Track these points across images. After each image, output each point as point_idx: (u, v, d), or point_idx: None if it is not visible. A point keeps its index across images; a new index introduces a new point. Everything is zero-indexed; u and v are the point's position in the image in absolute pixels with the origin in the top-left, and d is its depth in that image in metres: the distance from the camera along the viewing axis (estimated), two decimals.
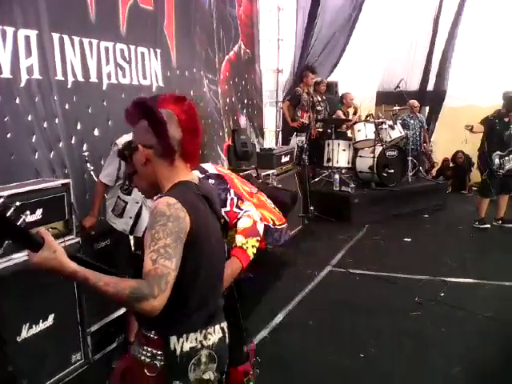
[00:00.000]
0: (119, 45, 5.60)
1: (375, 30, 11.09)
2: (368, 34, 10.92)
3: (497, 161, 7.31)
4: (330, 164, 8.39)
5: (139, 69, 5.96)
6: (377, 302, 4.87)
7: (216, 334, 1.87)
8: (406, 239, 6.99)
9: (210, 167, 2.81)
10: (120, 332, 3.95)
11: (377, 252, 6.53)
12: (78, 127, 4.88)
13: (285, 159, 7.04)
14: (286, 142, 9.29)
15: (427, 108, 11.11)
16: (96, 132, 5.04)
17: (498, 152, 7.31)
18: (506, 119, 7.38)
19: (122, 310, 3.79)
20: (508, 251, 6.47)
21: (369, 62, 11.32)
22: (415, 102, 9.60)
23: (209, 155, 7.52)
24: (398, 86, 9.64)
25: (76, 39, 4.98)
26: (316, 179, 8.55)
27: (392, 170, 8.35)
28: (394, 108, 9.23)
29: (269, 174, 6.20)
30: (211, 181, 2.63)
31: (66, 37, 4.84)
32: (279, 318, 4.48)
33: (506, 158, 7.34)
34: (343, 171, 8.59)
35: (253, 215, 2.61)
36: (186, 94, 6.93)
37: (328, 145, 8.47)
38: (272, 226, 2.81)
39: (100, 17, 5.29)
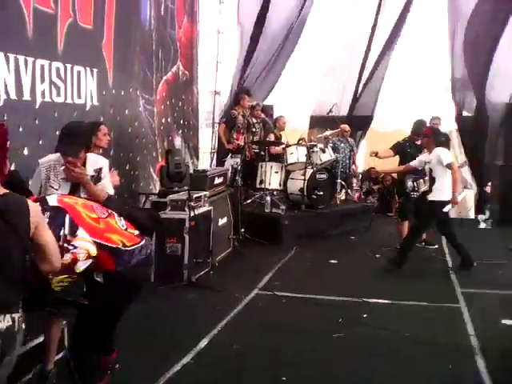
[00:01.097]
0: (55, 63, 5.62)
1: (310, 54, 11.46)
2: (303, 58, 11.27)
3: (410, 183, 7.51)
4: (263, 186, 8.55)
5: (74, 88, 5.98)
6: (302, 325, 4.96)
7: (5, 321, 2.29)
8: (331, 261, 7.17)
9: (51, 199, 2.94)
10: (37, 361, 3.71)
11: (304, 274, 6.66)
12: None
13: (218, 181, 7.09)
14: (221, 163, 9.40)
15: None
16: (25, 151, 5.00)
17: (412, 175, 7.52)
18: (418, 142, 7.67)
19: (40, 339, 3.68)
20: (427, 272, 6.80)
21: (303, 86, 11.68)
22: (346, 127, 9.93)
23: (141, 176, 7.53)
24: (330, 111, 9.99)
25: (11, 56, 4.96)
26: (248, 201, 8.64)
27: (321, 193, 8.56)
28: (326, 133, 9.56)
29: (201, 196, 6.27)
30: (47, 213, 2.80)
31: (1, 54, 4.82)
32: (204, 342, 4.51)
33: (420, 181, 7.52)
34: (275, 193, 8.75)
35: (77, 253, 2.82)
36: (120, 112, 7.00)
37: (261, 167, 8.65)
38: (122, 248, 2.97)
39: (37, 34, 5.29)
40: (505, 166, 9.98)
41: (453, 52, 10.35)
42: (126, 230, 3.08)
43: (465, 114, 10.66)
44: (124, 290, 3.04)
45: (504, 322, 5.10)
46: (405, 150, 7.72)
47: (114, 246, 2.94)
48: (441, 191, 6.65)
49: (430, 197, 6.75)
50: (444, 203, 6.64)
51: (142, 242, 3.11)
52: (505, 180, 9.95)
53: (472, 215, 10.73)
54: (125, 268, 2.97)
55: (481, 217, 10.41)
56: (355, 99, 11.34)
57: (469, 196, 10.86)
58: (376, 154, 7.83)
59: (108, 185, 4.06)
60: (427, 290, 6.05)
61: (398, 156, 7.95)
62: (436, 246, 8.05)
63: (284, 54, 10.51)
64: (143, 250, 3.10)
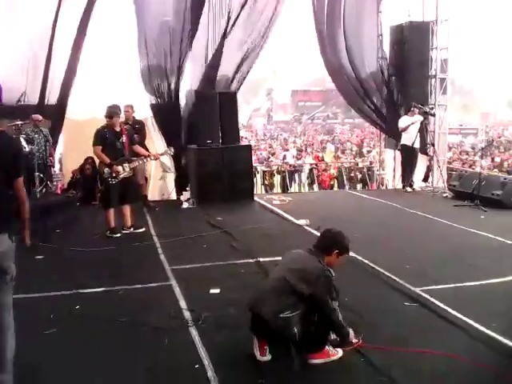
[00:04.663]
0: None
1: None
2: None
3: (106, 170, 7.68)
4: None
5: None
6: None
7: None
8: (37, 257, 6.70)
9: None
10: None
11: None
12: None
13: None
14: None
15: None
16: None
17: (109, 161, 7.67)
18: (118, 129, 7.83)
19: None
20: (138, 254, 7.00)
21: None
22: (39, 116, 9.36)
23: None
24: (19, 100, 9.32)
25: None
26: None
27: None
28: (17, 122, 8.87)
29: None
30: None
31: None
32: None
33: (120, 167, 7.73)
34: None
35: None
36: None
37: None
38: None
39: None
40: (199, 149, 10.62)
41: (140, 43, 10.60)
42: None
43: (158, 101, 10.99)
44: None
45: (212, 291, 5.48)
46: (105, 136, 7.66)
47: None
48: None
49: None
50: None
51: None
52: (200, 161, 10.60)
53: (174, 196, 11.25)
54: None
55: (183, 197, 10.95)
56: (45, 87, 10.53)
57: (169, 179, 11.38)
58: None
59: None
60: (140, 273, 6.17)
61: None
62: (143, 229, 8.24)
63: None
64: None
